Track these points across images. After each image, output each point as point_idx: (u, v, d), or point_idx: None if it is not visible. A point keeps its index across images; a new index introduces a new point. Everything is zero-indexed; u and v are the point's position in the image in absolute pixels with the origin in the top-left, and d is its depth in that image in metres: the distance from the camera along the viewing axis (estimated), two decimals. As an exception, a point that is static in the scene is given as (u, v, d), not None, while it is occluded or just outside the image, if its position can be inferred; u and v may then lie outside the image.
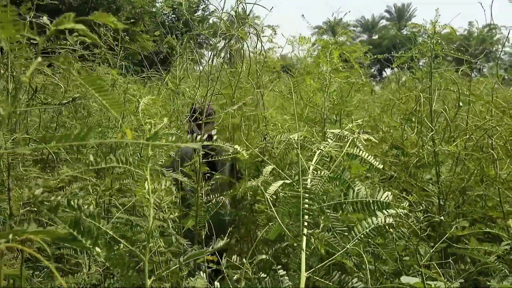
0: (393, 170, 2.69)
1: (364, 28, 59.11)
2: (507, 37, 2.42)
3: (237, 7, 2.36)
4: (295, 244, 1.16)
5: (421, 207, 1.68)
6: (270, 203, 1.17)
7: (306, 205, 1.11)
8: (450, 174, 2.09)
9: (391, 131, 3.51)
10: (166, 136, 1.16)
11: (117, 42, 2.41)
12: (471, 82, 3.57)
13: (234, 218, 3.40)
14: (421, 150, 2.50)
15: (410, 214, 1.55)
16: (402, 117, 3.32)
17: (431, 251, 1.48)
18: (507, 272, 1.51)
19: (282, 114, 3.91)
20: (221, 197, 2.10)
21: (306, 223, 1.12)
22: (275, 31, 3.85)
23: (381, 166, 1.28)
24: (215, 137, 3.46)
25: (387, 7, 57.36)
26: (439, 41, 2.49)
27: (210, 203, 2.08)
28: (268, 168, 1.34)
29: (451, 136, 2.24)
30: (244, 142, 3.58)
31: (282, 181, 1.26)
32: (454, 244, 1.73)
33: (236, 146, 1.79)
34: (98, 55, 2.95)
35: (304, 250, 1.10)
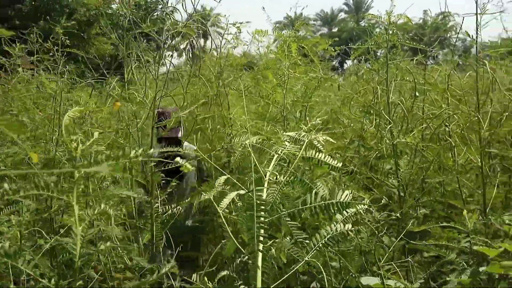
0: (353, 165, 2.68)
1: (324, 22, 59.95)
2: (461, 25, 2.45)
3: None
4: (250, 262, 1.09)
5: (382, 204, 1.66)
6: (223, 219, 1.09)
7: (262, 218, 1.04)
8: (409, 166, 2.09)
9: (352, 124, 3.52)
10: (98, 153, 1.05)
11: (57, 47, 2.23)
12: (426, 71, 3.63)
13: (200, 223, 3.31)
14: (380, 143, 2.50)
15: (370, 212, 1.53)
16: (361, 109, 3.32)
17: (389, 250, 1.46)
18: (465, 265, 1.51)
19: (245, 113, 3.83)
20: (178, 207, 2.00)
21: (261, 238, 1.05)
22: (239, 29, 3.76)
23: (339, 165, 1.23)
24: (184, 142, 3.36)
25: (345, 0, 58.41)
26: (394, 32, 2.49)
27: (166, 214, 1.98)
28: (221, 179, 1.26)
29: (408, 127, 2.24)
30: (207, 144, 3.50)
31: (236, 192, 1.18)
32: (412, 242, 1.72)
33: (192, 146, 1.70)
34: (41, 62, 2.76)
35: (260, 267, 1.03)
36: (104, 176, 2.31)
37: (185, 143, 3.26)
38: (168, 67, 2.24)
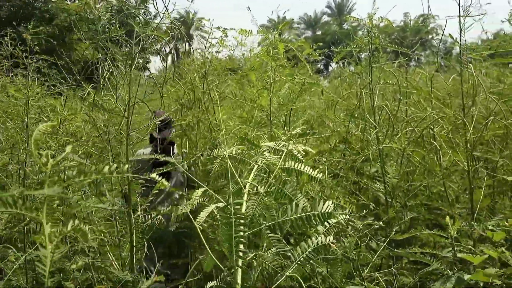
0: (339, 168, 2.66)
1: (307, 25, 60.38)
2: (444, 27, 2.44)
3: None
4: (229, 279, 1.04)
5: (368, 209, 1.63)
6: (201, 235, 1.04)
7: (241, 233, 0.99)
8: (396, 170, 2.07)
9: (338, 129, 3.50)
10: (70, 169, 0.99)
11: (26, 54, 2.15)
12: (408, 74, 3.63)
13: (187, 229, 3.25)
14: (366, 147, 2.48)
15: (352, 221, 1.49)
16: (345, 113, 3.31)
17: (373, 259, 1.43)
18: (450, 273, 1.49)
19: (231, 117, 3.78)
20: (158, 217, 1.94)
21: (241, 253, 1.00)
22: (226, 34, 3.71)
23: (320, 175, 1.19)
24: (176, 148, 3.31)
25: (327, 3, 58.98)
26: (376, 35, 2.47)
27: (146, 223, 1.92)
28: (198, 191, 1.21)
29: (394, 131, 2.22)
30: (193, 150, 3.43)
31: (215, 205, 1.13)
32: (395, 250, 1.69)
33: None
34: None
35: (239, 283, 0.98)
36: (83, 186, 2.23)
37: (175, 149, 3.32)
38: (149, 72, 2.18)
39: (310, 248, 1.04)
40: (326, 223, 1.12)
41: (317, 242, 1.05)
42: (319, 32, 57.67)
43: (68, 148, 0.98)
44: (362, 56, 3.38)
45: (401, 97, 2.27)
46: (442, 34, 2.03)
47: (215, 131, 3.25)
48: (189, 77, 3.27)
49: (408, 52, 2.56)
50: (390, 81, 2.37)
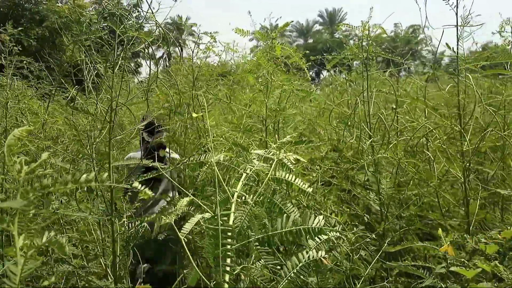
0: (331, 175, 2.62)
1: (299, 33, 60.80)
2: (441, 37, 2.42)
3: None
4: (215, 296, 0.98)
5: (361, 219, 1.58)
6: (185, 247, 0.98)
7: (228, 246, 0.93)
8: (391, 181, 2.03)
9: (329, 136, 3.46)
10: (45, 177, 0.93)
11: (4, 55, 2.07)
12: (398, 83, 3.63)
13: (174, 237, 3.18)
14: (360, 156, 2.44)
15: (344, 235, 1.44)
16: (338, 120, 3.28)
17: (365, 273, 1.38)
18: (443, 286, 1.45)
19: (220, 123, 3.73)
20: (143, 224, 1.87)
21: (228, 267, 0.95)
22: (214, 39, 3.67)
23: (310, 190, 1.14)
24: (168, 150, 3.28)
25: (320, 12, 59.51)
26: (370, 42, 2.45)
27: (131, 231, 1.85)
28: (183, 201, 1.15)
29: (389, 140, 2.19)
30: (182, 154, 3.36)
31: (200, 216, 1.07)
32: (388, 263, 1.65)
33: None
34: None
35: (226, 303, 0.92)
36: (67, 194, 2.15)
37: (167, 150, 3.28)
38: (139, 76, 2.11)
39: (301, 263, 0.99)
40: (317, 238, 1.07)
41: (308, 257, 1.00)
42: (310, 40, 58.08)
43: (44, 155, 0.91)
44: (354, 64, 3.37)
45: (393, 106, 2.25)
46: (439, 43, 2.01)
47: (204, 137, 3.19)
48: (177, 80, 3.22)
49: (401, 61, 2.55)
50: (384, 90, 2.34)
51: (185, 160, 1.90)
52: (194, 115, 3.24)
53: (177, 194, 3.55)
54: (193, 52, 3.41)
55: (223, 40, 3.71)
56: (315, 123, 4.06)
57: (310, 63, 3.90)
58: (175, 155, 3.38)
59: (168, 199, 3.41)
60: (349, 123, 2.44)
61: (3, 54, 2.08)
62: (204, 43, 3.62)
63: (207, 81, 3.63)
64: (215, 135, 3.59)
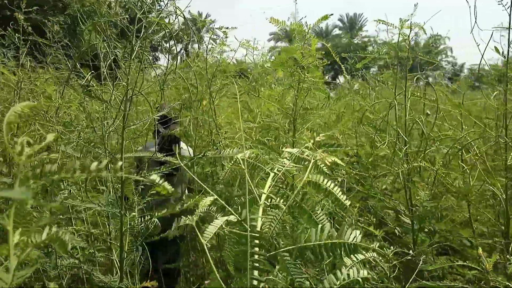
0: (356, 181, 2.48)
1: (318, 36, 60.49)
2: (487, 44, 2.26)
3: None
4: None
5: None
6: (207, 253, 0.85)
7: (256, 256, 0.80)
8: (428, 194, 1.87)
9: (346, 141, 3.33)
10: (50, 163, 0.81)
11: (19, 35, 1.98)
12: (425, 90, 3.46)
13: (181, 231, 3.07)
14: (378, 163, 2.30)
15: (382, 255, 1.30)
16: (366, 123, 3.12)
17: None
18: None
19: (236, 121, 3.63)
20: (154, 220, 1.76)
21: (255, 281, 0.82)
22: (226, 35, 3.57)
23: (348, 203, 1.00)
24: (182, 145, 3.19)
25: (340, 16, 59.06)
26: (408, 43, 2.32)
27: (141, 226, 1.74)
28: (207, 200, 1.02)
29: (425, 148, 2.03)
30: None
31: (225, 218, 0.94)
32: (425, 282, 1.50)
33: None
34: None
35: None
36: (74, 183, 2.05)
37: (182, 144, 3.23)
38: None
39: (339, 283, 0.85)
40: (353, 257, 0.93)
41: (348, 275, 0.86)
42: (328, 44, 57.63)
43: (50, 136, 0.79)
44: (375, 68, 3.22)
45: (429, 112, 2.09)
46: (484, 52, 1.85)
47: (217, 134, 3.09)
48: (191, 76, 3.12)
49: (435, 61, 2.40)
50: (417, 94, 2.19)
51: (201, 155, 1.78)
52: (204, 102, 3.13)
53: (186, 191, 3.43)
54: (207, 48, 3.33)
55: (241, 38, 3.63)
56: (334, 127, 3.92)
57: (328, 65, 3.76)
58: (190, 150, 3.28)
59: (179, 195, 3.30)
60: (379, 127, 2.29)
61: (17, 34, 1.99)
62: (220, 37, 3.54)
63: (223, 78, 3.53)
64: (228, 132, 3.48)
